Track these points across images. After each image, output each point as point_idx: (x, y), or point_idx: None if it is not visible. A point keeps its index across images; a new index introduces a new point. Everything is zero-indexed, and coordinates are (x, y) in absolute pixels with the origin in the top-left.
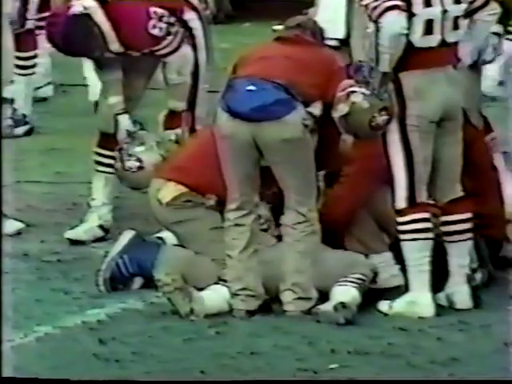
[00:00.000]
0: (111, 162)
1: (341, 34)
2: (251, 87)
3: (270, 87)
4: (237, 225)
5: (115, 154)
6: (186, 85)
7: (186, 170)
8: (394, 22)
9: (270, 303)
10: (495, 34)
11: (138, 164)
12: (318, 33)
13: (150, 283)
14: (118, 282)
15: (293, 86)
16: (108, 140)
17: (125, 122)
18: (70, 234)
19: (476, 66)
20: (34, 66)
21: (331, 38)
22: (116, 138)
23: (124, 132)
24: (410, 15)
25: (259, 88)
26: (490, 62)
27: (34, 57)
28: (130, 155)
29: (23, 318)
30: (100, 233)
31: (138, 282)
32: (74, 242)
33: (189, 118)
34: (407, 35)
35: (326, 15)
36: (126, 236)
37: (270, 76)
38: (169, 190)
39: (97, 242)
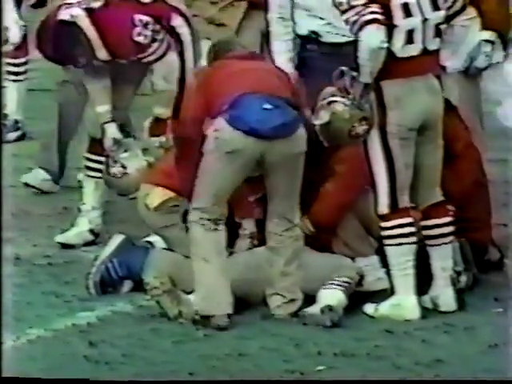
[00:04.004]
0: (101, 167)
1: None
2: (267, 105)
3: (283, 104)
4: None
5: (103, 160)
6: (173, 92)
7: (173, 175)
8: (372, 36)
9: (257, 306)
10: (488, 41)
11: (122, 170)
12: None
13: (139, 286)
14: (107, 286)
15: (292, 99)
16: (98, 145)
17: (112, 130)
18: (61, 238)
19: (470, 73)
20: (25, 72)
21: None
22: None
23: (110, 140)
24: (391, 27)
25: (274, 105)
26: (483, 69)
27: (26, 63)
28: (115, 161)
29: (15, 321)
30: (90, 237)
31: (127, 285)
32: (64, 246)
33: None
34: (388, 46)
35: None
36: (116, 240)
37: (273, 91)
38: (156, 195)
39: (87, 246)
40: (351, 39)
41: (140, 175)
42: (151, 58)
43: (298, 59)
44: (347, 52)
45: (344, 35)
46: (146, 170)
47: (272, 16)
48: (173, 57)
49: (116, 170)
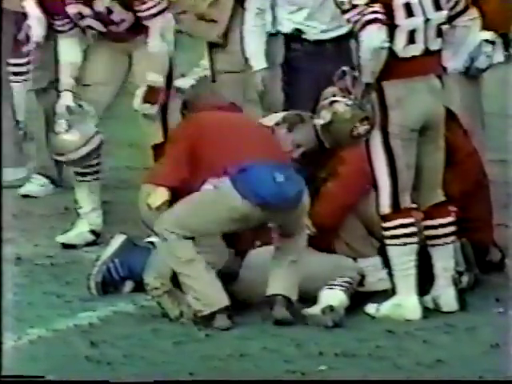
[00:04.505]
0: (92, 170)
1: None
2: (279, 177)
3: (291, 172)
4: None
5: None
6: (167, 56)
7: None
8: (373, 36)
9: (259, 307)
10: (488, 41)
11: (67, 128)
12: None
13: (140, 287)
14: (109, 286)
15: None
16: None
17: (67, 97)
18: (62, 239)
19: (471, 74)
20: (27, 72)
21: None
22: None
23: (63, 106)
24: (393, 27)
25: (285, 176)
26: (483, 70)
27: (28, 63)
28: (62, 121)
29: (16, 321)
30: (91, 237)
31: (128, 285)
32: (66, 246)
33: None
34: (390, 46)
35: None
36: (117, 240)
37: (277, 156)
38: (159, 195)
39: (88, 246)
40: (334, 36)
41: (84, 142)
42: (150, 13)
43: (283, 58)
44: (331, 50)
45: (327, 31)
46: (92, 138)
47: (249, 7)
48: (170, 16)
49: (61, 127)
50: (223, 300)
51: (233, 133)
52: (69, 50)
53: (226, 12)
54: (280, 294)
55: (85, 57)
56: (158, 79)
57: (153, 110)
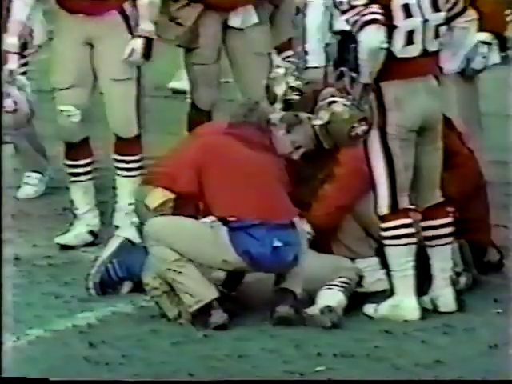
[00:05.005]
0: (84, 170)
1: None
2: (277, 243)
3: (291, 235)
4: None
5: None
6: (157, 3)
7: (174, 177)
8: (372, 36)
9: (257, 307)
10: (484, 42)
11: (13, 106)
12: (262, 122)
13: (139, 287)
14: (107, 286)
15: (297, 218)
16: (75, 150)
17: (12, 61)
18: (60, 240)
19: (467, 75)
20: (25, 73)
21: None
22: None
23: (7, 70)
24: (391, 27)
25: (284, 241)
26: (479, 71)
27: (26, 64)
28: (8, 94)
29: (15, 322)
30: (89, 238)
31: (127, 285)
32: (64, 247)
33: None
34: (388, 47)
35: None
36: (116, 240)
37: (279, 214)
38: (156, 196)
39: (87, 247)
40: None
41: (20, 123)
42: None
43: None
44: None
45: None
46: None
47: (315, 3)
48: None
49: (8, 102)
50: (213, 292)
51: (239, 174)
52: (21, 9)
53: (191, 18)
54: (288, 289)
55: (51, 59)
56: (153, 29)
57: (144, 63)
